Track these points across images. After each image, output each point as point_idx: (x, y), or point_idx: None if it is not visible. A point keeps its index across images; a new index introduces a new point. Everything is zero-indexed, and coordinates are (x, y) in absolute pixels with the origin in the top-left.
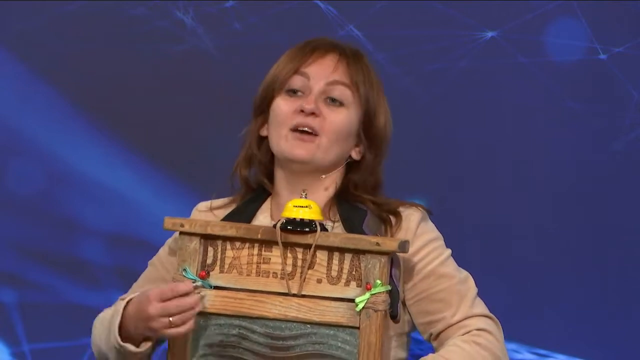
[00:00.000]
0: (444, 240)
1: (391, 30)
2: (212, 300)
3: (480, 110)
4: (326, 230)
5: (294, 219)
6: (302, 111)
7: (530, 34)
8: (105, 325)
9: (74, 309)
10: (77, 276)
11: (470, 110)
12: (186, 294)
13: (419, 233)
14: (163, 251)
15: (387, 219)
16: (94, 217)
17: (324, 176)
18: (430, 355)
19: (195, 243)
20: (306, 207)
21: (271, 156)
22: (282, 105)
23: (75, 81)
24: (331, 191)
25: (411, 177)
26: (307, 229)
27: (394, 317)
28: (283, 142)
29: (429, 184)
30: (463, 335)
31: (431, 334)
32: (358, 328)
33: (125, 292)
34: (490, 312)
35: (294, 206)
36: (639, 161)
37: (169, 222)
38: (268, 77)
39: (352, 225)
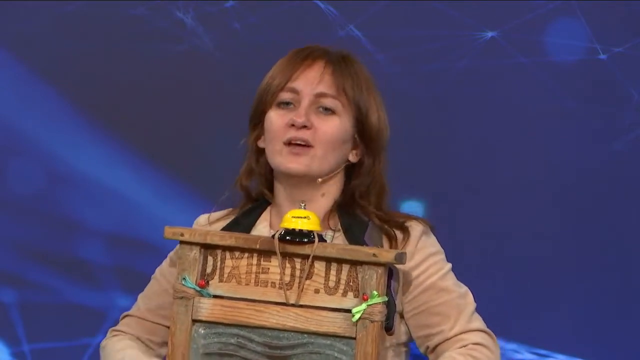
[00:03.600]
0: (446, 249)
1: (391, 30)
2: (210, 309)
3: (480, 110)
4: (324, 241)
5: (293, 229)
6: (293, 125)
7: (530, 34)
8: None
9: (74, 309)
10: (77, 276)
11: (470, 110)
12: None
13: (419, 247)
14: (165, 264)
15: (392, 234)
16: (94, 217)
17: (320, 180)
18: None
19: (195, 252)
20: (305, 217)
21: (270, 167)
22: (274, 119)
23: (75, 81)
24: (331, 198)
25: (411, 177)
26: (305, 240)
27: (389, 329)
28: (278, 157)
29: (429, 184)
30: (460, 348)
31: (428, 347)
32: (354, 338)
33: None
34: (491, 312)
35: (293, 217)
36: (639, 161)
37: (169, 231)
38: (260, 88)
39: (354, 235)
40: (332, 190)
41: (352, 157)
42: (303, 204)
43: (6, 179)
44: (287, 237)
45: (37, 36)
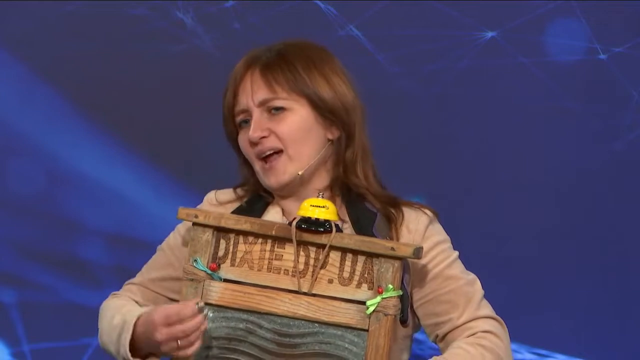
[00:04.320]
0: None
1: (391, 30)
2: (221, 293)
3: (480, 110)
4: (341, 231)
5: (310, 218)
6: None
7: (530, 34)
8: (114, 332)
9: (74, 309)
10: (77, 276)
11: (470, 110)
12: (191, 315)
13: (427, 236)
14: (173, 237)
15: (391, 216)
16: (94, 217)
17: (300, 172)
18: (435, 357)
19: (208, 235)
20: (323, 207)
21: None
22: (241, 141)
23: (75, 81)
24: (325, 183)
25: (411, 177)
26: (322, 229)
27: (404, 322)
28: (261, 177)
29: (429, 184)
30: (468, 337)
31: (437, 335)
32: (366, 330)
33: None
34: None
35: (311, 205)
36: (639, 161)
37: (182, 212)
38: (222, 117)
39: (363, 227)
40: (323, 177)
41: (331, 135)
42: (321, 193)
43: (6, 179)
44: (304, 226)
45: (37, 36)
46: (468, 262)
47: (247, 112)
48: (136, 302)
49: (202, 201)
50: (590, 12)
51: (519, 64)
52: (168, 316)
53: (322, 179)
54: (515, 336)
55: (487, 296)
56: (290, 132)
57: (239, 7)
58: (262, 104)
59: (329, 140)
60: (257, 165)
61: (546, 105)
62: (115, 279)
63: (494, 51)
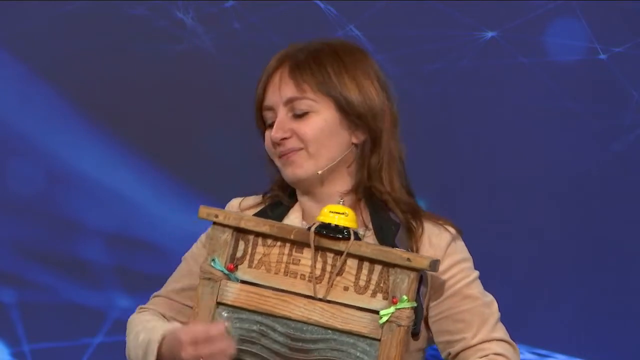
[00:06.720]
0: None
1: (391, 30)
2: (237, 294)
3: (480, 110)
4: (359, 239)
5: (329, 224)
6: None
7: (530, 34)
8: (139, 350)
9: (74, 309)
10: (77, 276)
11: (470, 110)
12: (218, 336)
13: (449, 252)
14: (196, 246)
15: (411, 227)
16: (94, 217)
17: (319, 172)
18: None
19: (227, 235)
20: (342, 213)
21: None
22: (266, 139)
23: (75, 81)
24: (347, 186)
25: (411, 176)
26: (340, 236)
27: (415, 334)
28: (282, 171)
29: (429, 183)
30: (480, 358)
31: (450, 354)
32: (379, 340)
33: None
34: None
35: (330, 212)
36: (639, 161)
37: (203, 211)
38: (254, 111)
39: (385, 236)
40: (345, 180)
41: (356, 139)
42: (341, 200)
43: (6, 179)
44: (323, 231)
45: (37, 36)
46: None
47: (273, 110)
48: (163, 314)
49: (201, 201)
50: (590, 12)
51: (519, 64)
52: (195, 335)
53: (345, 182)
54: (515, 336)
55: None
56: (312, 135)
57: (239, 7)
58: (288, 102)
59: (353, 144)
60: (278, 162)
61: (546, 105)
62: (115, 279)
63: (494, 51)
